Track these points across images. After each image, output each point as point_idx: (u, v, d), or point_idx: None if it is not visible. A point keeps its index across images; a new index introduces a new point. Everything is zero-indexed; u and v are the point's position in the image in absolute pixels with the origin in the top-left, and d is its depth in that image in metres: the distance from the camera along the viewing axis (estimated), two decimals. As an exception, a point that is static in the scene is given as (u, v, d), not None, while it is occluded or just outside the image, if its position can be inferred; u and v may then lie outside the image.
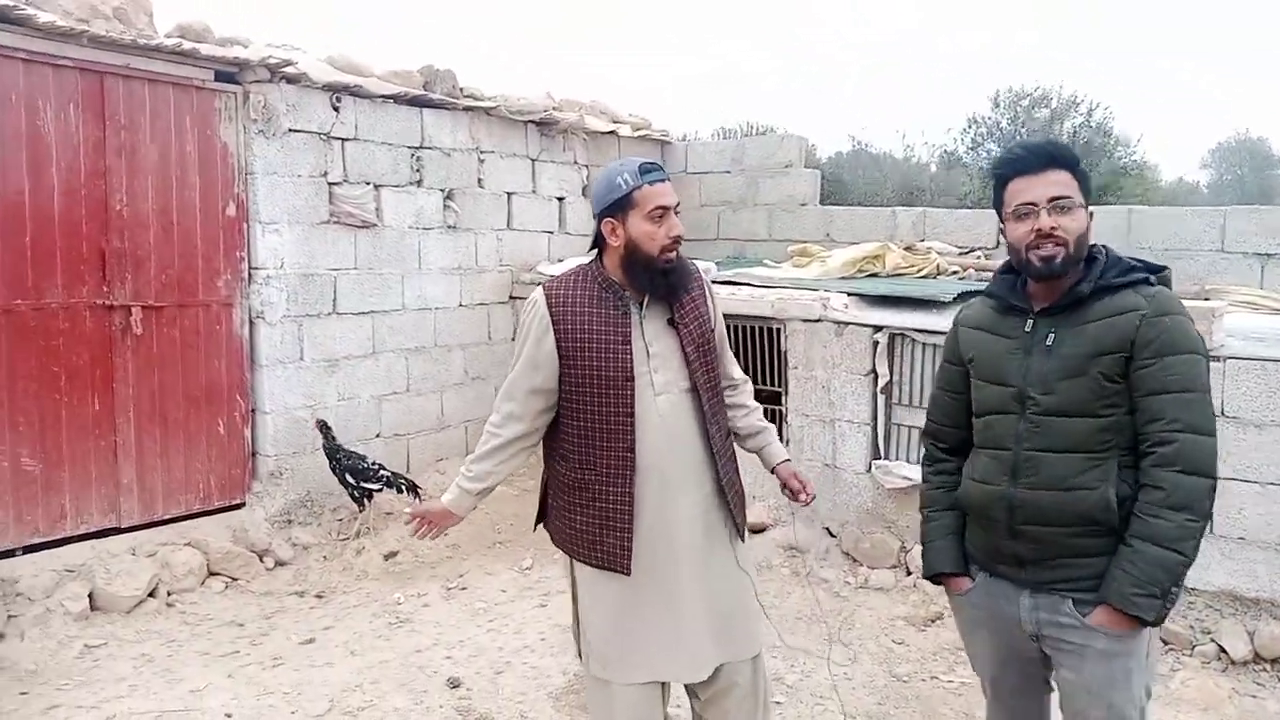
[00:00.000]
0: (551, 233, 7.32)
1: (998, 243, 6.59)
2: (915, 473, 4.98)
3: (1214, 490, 1.99)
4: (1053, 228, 2.06)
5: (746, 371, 5.67)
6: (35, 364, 4.50)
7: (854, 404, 5.23)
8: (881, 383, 5.15)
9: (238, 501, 5.35)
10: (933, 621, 4.50)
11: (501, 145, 6.82)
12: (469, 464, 2.63)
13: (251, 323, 5.37)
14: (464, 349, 6.67)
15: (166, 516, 5.04)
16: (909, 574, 4.95)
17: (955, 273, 6.24)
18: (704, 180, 8.08)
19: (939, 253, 6.38)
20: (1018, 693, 2.35)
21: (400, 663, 4.07)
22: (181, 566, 4.75)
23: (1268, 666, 3.92)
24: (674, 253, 2.45)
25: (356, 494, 5.45)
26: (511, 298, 6.99)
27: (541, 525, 2.77)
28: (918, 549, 4.93)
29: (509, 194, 6.92)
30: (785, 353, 5.56)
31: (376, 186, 5.96)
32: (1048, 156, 2.12)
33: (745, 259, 7.32)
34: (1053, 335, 2.11)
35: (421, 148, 6.24)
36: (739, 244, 7.73)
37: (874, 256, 6.31)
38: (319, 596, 4.85)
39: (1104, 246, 2.16)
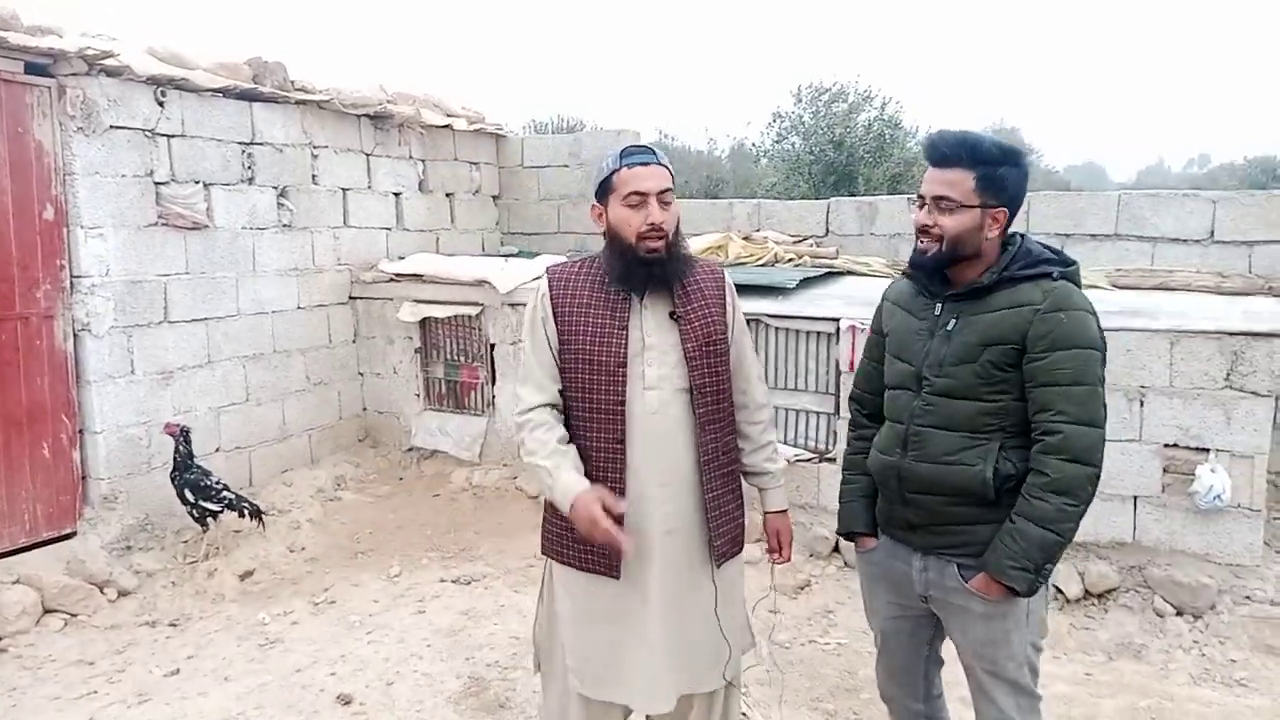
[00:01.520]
0: (390, 229, 7.13)
1: (827, 231, 7.02)
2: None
3: (1097, 478, 2.12)
4: (928, 225, 2.19)
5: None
6: None
7: (713, 391, 5.43)
8: (739, 369, 5.38)
9: (69, 531, 4.92)
10: (802, 589, 4.77)
11: (336, 140, 6.57)
12: (541, 456, 2.32)
13: (76, 335, 4.94)
14: (304, 353, 6.39)
15: (-12, 553, 4.57)
16: (773, 549, 5.20)
17: (791, 260, 6.59)
18: (542, 174, 8.10)
19: (775, 242, 6.70)
20: (904, 645, 2.54)
21: (280, 684, 3.90)
22: (13, 607, 4.32)
23: (1095, 600, 4.44)
24: (657, 242, 2.30)
25: (196, 513, 5.11)
26: (351, 298, 6.77)
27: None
28: (781, 525, 5.21)
29: (345, 190, 6.68)
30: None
31: (206, 185, 5.61)
32: (955, 151, 2.17)
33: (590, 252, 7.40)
34: (954, 321, 2.23)
35: (253, 144, 5.92)
36: (580, 237, 7.81)
37: (718, 246, 6.56)
38: (173, 625, 4.55)
39: (1020, 235, 2.24)
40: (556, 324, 2.39)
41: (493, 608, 4.66)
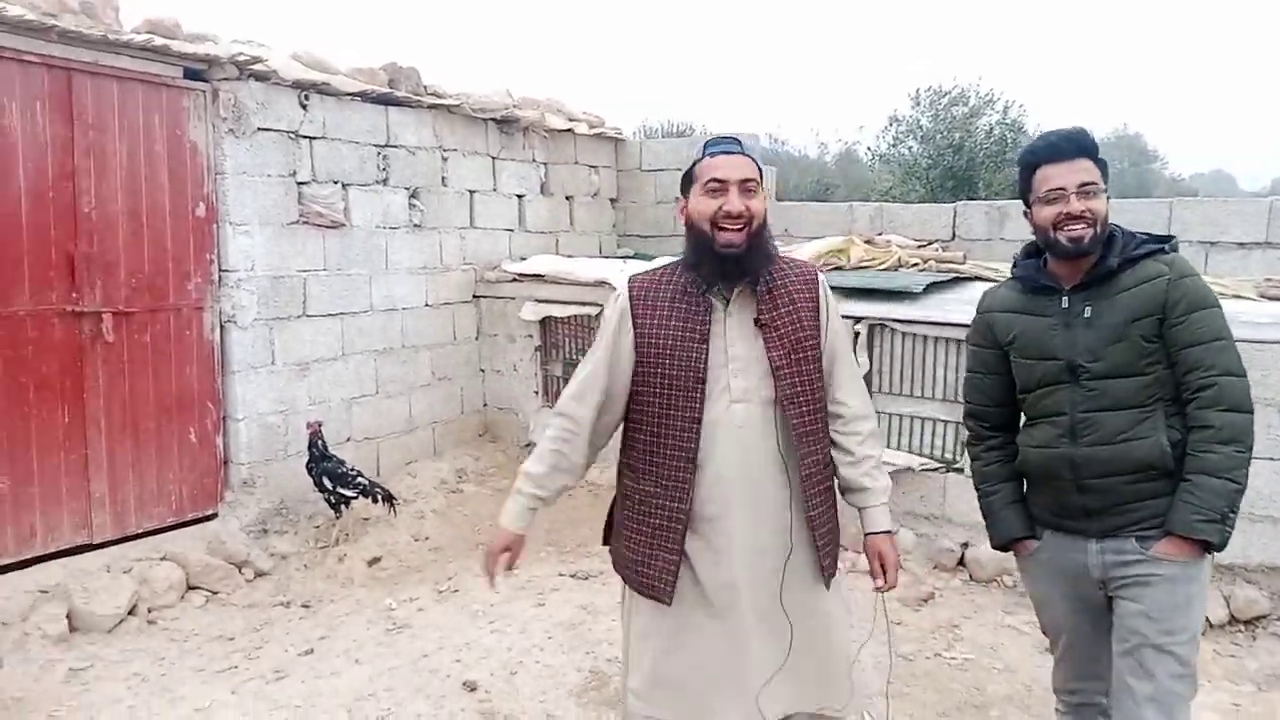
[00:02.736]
0: (512, 231, 7.26)
1: (953, 235, 6.83)
2: (898, 457, 5.13)
3: (1252, 423, 2.21)
4: (1083, 211, 2.25)
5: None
6: (2, 376, 4.27)
7: (835, 395, 5.34)
8: (862, 371, 5.28)
9: (210, 512, 5.17)
10: (925, 601, 4.64)
11: (464, 143, 6.75)
12: (529, 472, 2.40)
13: (222, 327, 5.20)
14: (430, 350, 6.57)
15: (140, 530, 4.84)
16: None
17: (916, 264, 6.43)
18: (659, 177, 8.14)
19: (899, 246, 6.56)
20: (1089, 639, 2.46)
21: (409, 668, 4.01)
22: (161, 582, 4.57)
23: (1243, 627, 4.18)
24: (736, 232, 2.21)
25: (333, 499, 5.32)
26: (475, 297, 6.93)
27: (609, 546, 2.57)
28: (903, 532, 5.09)
29: (471, 192, 6.85)
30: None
31: (344, 186, 5.83)
32: (1077, 145, 2.31)
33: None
34: (1089, 308, 2.30)
35: (387, 146, 6.13)
36: (697, 240, 7.80)
37: (839, 250, 6.45)
38: (306, 606, 4.73)
39: (1116, 225, 2.34)
40: (636, 338, 2.30)
41: (610, 604, 4.68)
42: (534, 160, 7.42)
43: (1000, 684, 3.87)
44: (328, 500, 5.31)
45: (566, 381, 6.51)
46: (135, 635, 4.31)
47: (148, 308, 4.82)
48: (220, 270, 5.17)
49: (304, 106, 5.54)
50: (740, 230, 2.22)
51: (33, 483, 4.40)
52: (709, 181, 2.26)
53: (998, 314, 2.48)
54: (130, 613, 4.40)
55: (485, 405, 7.05)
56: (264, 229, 5.34)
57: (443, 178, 6.58)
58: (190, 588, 4.71)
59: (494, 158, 7.05)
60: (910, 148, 14.94)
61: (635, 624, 2.39)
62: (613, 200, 8.36)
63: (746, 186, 2.25)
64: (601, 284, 6.27)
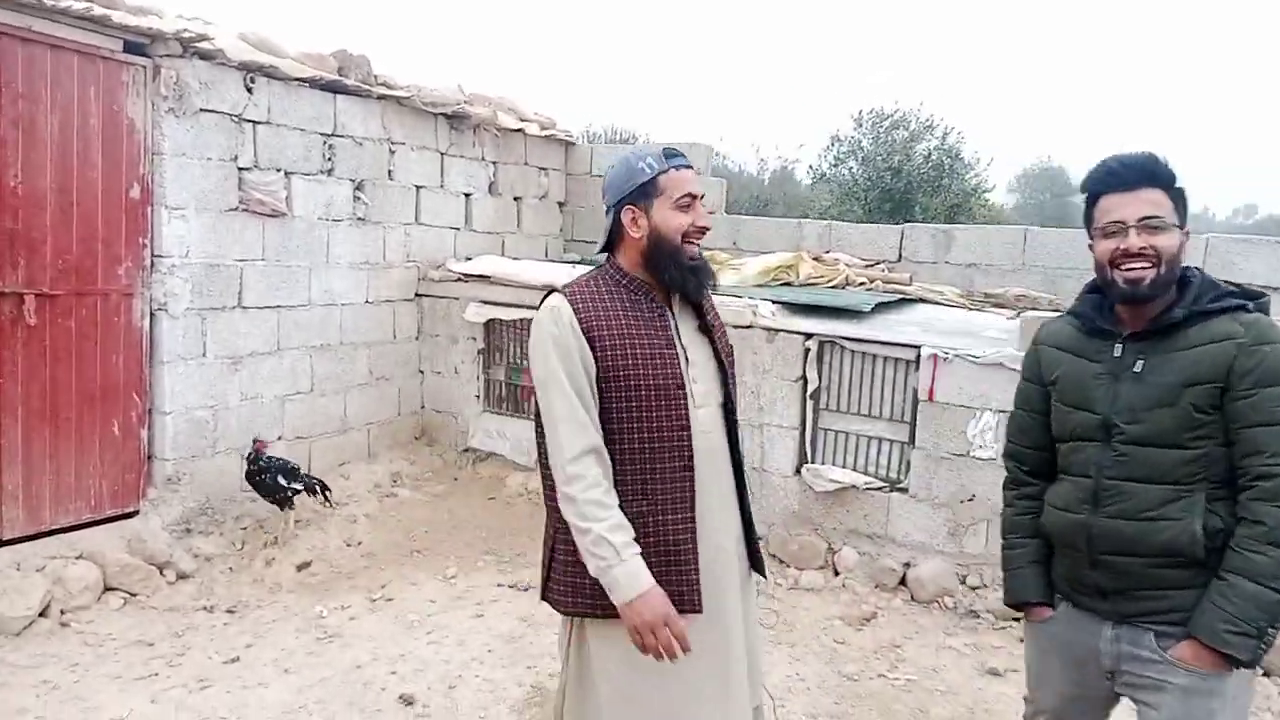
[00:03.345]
0: (458, 229, 7.11)
1: (899, 257, 6.90)
2: (843, 475, 5.14)
3: None
4: (1142, 248, 1.98)
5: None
6: (-90, 356, 3.99)
7: (783, 409, 5.33)
8: (811, 388, 5.28)
9: (132, 510, 4.91)
10: (867, 621, 4.64)
11: (412, 137, 6.57)
12: (614, 536, 2.07)
13: (153, 315, 4.95)
14: (369, 348, 6.38)
15: (54, 527, 4.57)
16: (836, 574, 5.09)
17: (862, 284, 6.47)
18: (609, 183, 8.05)
19: (846, 264, 6.60)
20: None
21: (341, 680, 3.85)
22: (76, 582, 4.32)
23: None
24: (697, 246, 2.26)
25: (288, 495, 5.15)
26: (417, 295, 6.75)
27: (546, 597, 2.32)
28: (846, 550, 5.10)
29: (418, 188, 6.68)
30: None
31: (287, 174, 5.62)
32: (1142, 172, 2.03)
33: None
34: (1142, 362, 2.03)
35: (334, 135, 5.93)
36: (644, 249, 7.73)
37: (787, 266, 6.46)
38: (231, 611, 4.51)
39: (1197, 269, 2.09)
40: (593, 349, 2.16)
41: (551, 616, 4.55)
42: (483, 159, 7.28)
43: (943, 707, 3.87)
44: (279, 499, 5.13)
45: (509, 386, 6.45)
46: (46, 639, 4.06)
47: (74, 291, 4.56)
48: (153, 255, 4.92)
49: (249, 89, 5.33)
50: (699, 244, 2.28)
51: (-62, 472, 4.11)
52: (683, 197, 2.22)
53: (1047, 348, 2.23)
54: (42, 614, 4.13)
55: (423, 407, 6.87)
56: (201, 214, 5.10)
57: (389, 171, 6.40)
58: (108, 588, 4.46)
59: (443, 154, 6.89)
60: (850, 168, 15.14)
61: (604, 659, 2.22)
62: (561, 204, 8.26)
63: (702, 201, 2.31)
64: (551, 288, 6.15)
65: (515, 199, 7.69)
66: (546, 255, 7.98)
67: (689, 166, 2.27)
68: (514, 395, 6.56)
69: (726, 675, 2.25)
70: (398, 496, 6.04)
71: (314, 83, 5.72)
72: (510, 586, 4.94)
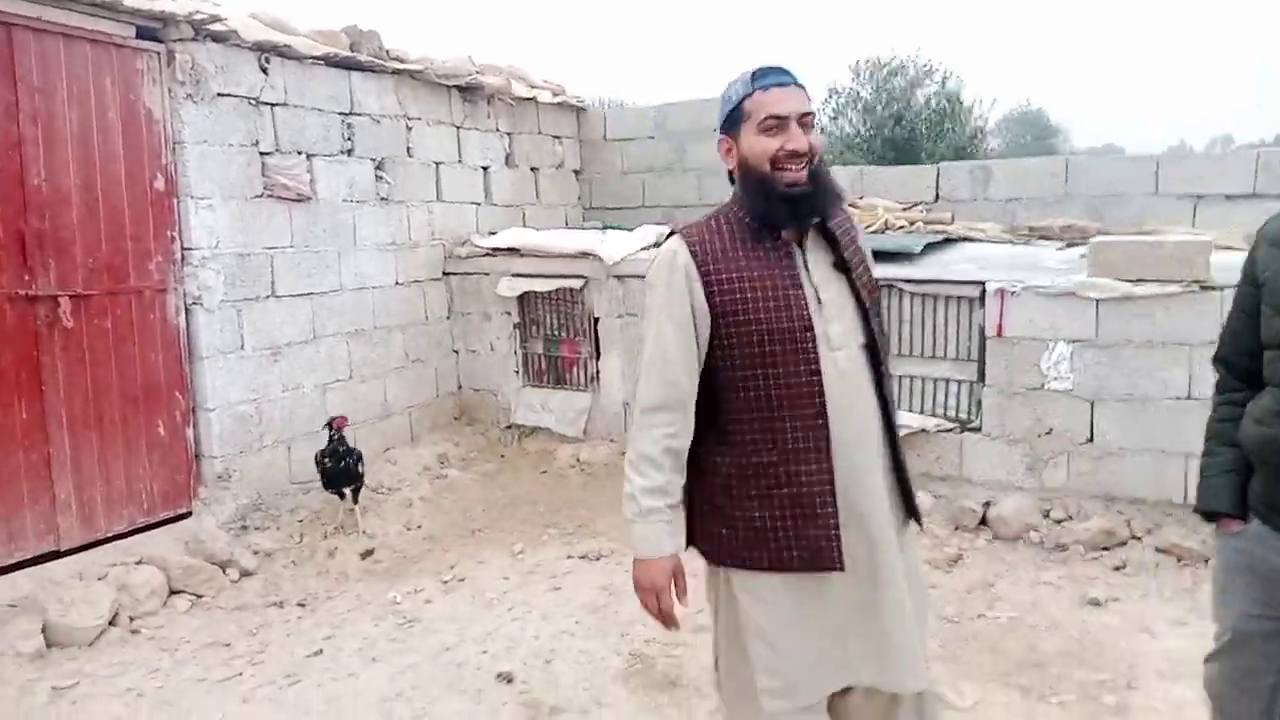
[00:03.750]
0: (479, 204, 6.93)
1: (936, 196, 6.74)
2: (913, 419, 5.00)
3: None
4: None
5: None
6: (-49, 367, 3.82)
7: (842, 358, 5.19)
8: (870, 334, 5.13)
9: (185, 511, 4.77)
10: (954, 563, 4.52)
11: (428, 112, 6.38)
12: (650, 486, 2.07)
13: (188, 309, 4.78)
14: (403, 330, 6.22)
15: (110, 534, 4.42)
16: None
17: (902, 227, 6.32)
18: (626, 147, 7.88)
19: (885, 209, 6.44)
20: (1256, 654, 2.11)
21: (433, 664, 3.72)
22: (142, 588, 4.17)
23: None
24: (799, 170, 2.01)
25: (362, 481, 5.10)
26: (445, 274, 6.58)
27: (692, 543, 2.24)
28: (921, 494, 4.97)
29: (437, 164, 6.49)
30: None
31: (309, 156, 5.43)
32: None
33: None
34: None
35: (351, 114, 5.74)
36: (667, 210, 7.57)
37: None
38: (302, 605, 4.38)
39: None
40: (709, 295, 2.04)
41: (629, 584, 4.45)
42: (498, 130, 7.09)
43: (1051, 641, 3.75)
44: (355, 486, 5.04)
45: (548, 359, 6.30)
46: (120, 647, 3.91)
47: (107, 290, 4.38)
48: (183, 248, 4.74)
49: (264, 70, 5.13)
50: (802, 167, 2.02)
51: (-10, 486, 3.95)
52: (766, 119, 2.02)
53: (1265, 247, 2.03)
54: (111, 622, 3.99)
55: (460, 387, 6.72)
56: (227, 203, 4.92)
57: (408, 148, 6.22)
58: (173, 592, 4.32)
59: (458, 127, 6.70)
60: (850, 120, 14.94)
61: (756, 620, 2.11)
62: (577, 172, 8.07)
63: (805, 121, 2.04)
64: (585, 255, 6.00)
65: (532, 170, 7.50)
66: (567, 225, 7.80)
67: (781, 84, 2.05)
68: (554, 368, 6.40)
69: (884, 636, 2.08)
70: (448, 478, 5.90)
71: (329, 60, 5.52)
72: (581, 558, 4.81)
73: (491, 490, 5.82)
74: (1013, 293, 4.73)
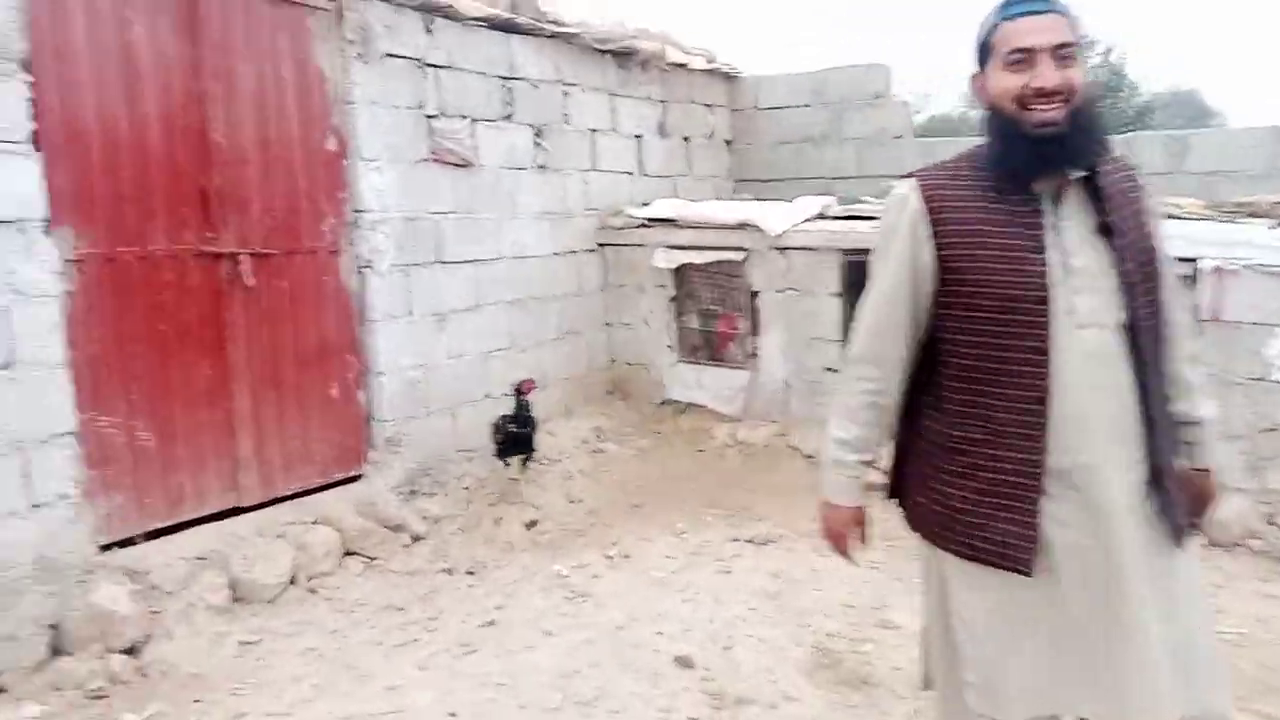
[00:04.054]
0: (631, 174, 6.77)
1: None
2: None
3: None
4: None
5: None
6: (142, 322, 3.86)
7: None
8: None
9: (355, 473, 4.77)
10: None
11: (583, 78, 6.24)
12: (844, 438, 2.02)
13: (359, 272, 4.76)
14: (558, 301, 6.11)
15: (287, 492, 4.44)
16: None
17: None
18: (779, 116, 7.59)
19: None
20: None
21: (608, 642, 3.57)
22: (319, 547, 4.17)
23: None
24: (1049, 110, 1.75)
25: (529, 456, 5.11)
26: (599, 245, 6.44)
27: (896, 501, 2.14)
28: None
29: (592, 131, 6.36)
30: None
31: (472, 121, 5.36)
32: None
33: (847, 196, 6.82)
34: None
35: (511, 79, 5.65)
36: (824, 182, 7.24)
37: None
38: (471, 573, 4.31)
39: None
40: (939, 248, 1.85)
41: (804, 572, 4.22)
42: (651, 98, 6.90)
43: (1291, 658, 3.34)
44: (522, 460, 5.06)
45: (704, 334, 6.10)
46: (299, 605, 3.92)
47: (285, 250, 4.39)
48: (354, 210, 4.72)
49: (429, 31, 5.06)
50: (1054, 107, 1.75)
51: (177, 442, 4.00)
52: (1011, 53, 1.78)
53: None
54: (291, 581, 4.00)
55: (613, 361, 6.59)
56: (395, 166, 4.88)
57: (565, 115, 6.09)
58: (347, 553, 4.31)
59: (612, 94, 6.54)
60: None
61: (962, 601, 1.93)
62: (728, 142, 7.83)
63: (1062, 53, 1.77)
64: (746, 226, 5.77)
65: (684, 140, 7.30)
66: (717, 197, 7.57)
67: (1031, 11, 1.78)
68: (710, 343, 6.19)
69: (1119, 665, 1.79)
70: (605, 452, 5.78)
71: (490, 22, 5.42)
72: (748, 541, 4.61)
73: (648, 466, 5.67)
74: (1231, 271, 4.27)
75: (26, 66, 3.40)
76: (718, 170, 7.72)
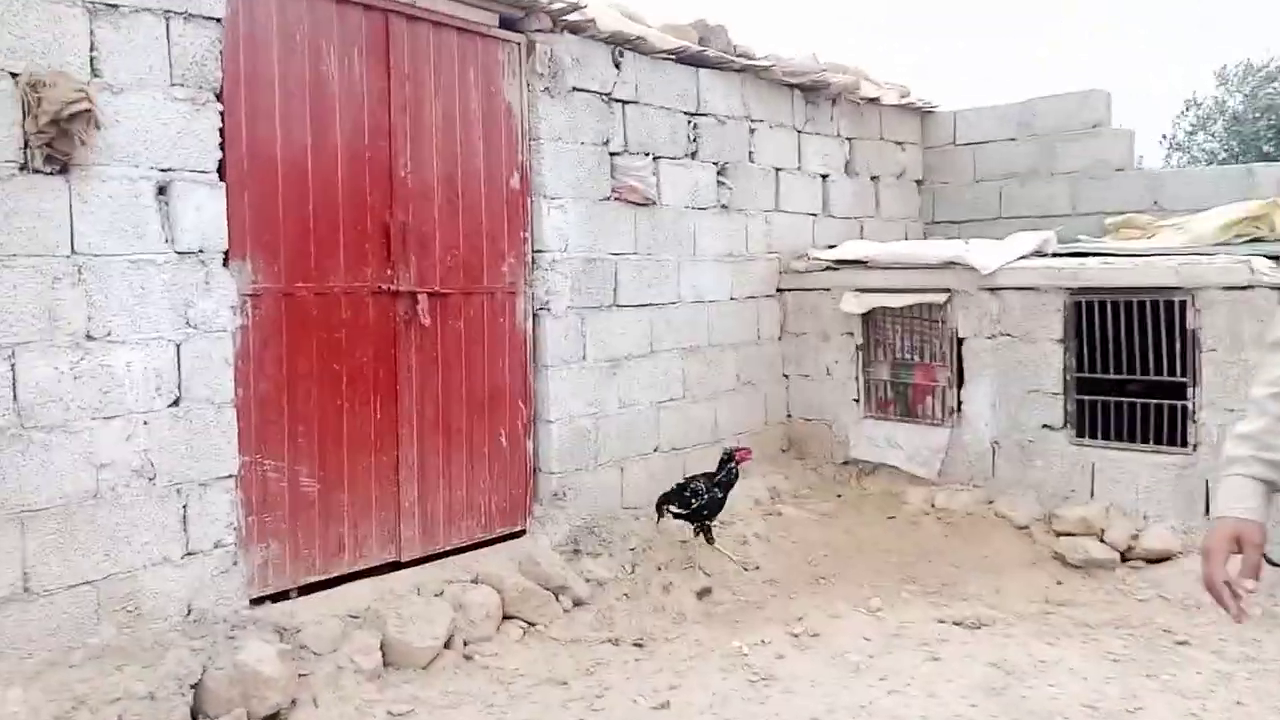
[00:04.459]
0: (815, 216, 6.34)
1: None
2: None
3: None
4: None
5: (1134, 357, 4.60)
6: (316, 360, 3.72)
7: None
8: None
9: (519, 529, 4.49)
10: None
11: (770, 114, 5.90)
12: (1242, 428, 1.70)
13: (535, 315, 4.53)
14: (735, 349, 5.72)
15: (449, 547, 4.20)
16: None
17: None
18: (980, 151, 7.00)
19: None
20: None
21: (802, 739, 3.08)
22: (478, 609, 3.88)
23: None
24: None
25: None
26: (779, 290, 6.02)
27: None
28: None
29: (776, 170, 5.98)
30: (1194, 332, 4.42)
31: (655, 158, 5.09)
32: None
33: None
34: None
35: (697, 114, 5.36)
36: (1031, 222, 6.56)
37: (1254, 218, 5.11)
38: (639, 645, 3.91)
39: None
40: None
41: (1028, 662, 3.61)
42: (839, 135, 6.48)
43: None
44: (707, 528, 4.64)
45: (896, 386, 5.54)
46: (453, 674, 3.61)
47: (462, 290, 4.20)
48: (533, 250, 4.51)
49: (617, 65, 4.85)
50: None
51: (342, 489, 3.82)
52: None
53: None
54: (446, 645, 3.71)
55: (789, 416, 6.11)
56: (577, 204, 4.65)
57: (750, 152, 5.75)
58: (506, 616, 4.00)
59: (799, 131, 6.16)
60: (1215, 134, 12.95)
61: None
62: (918, 182, 7.28)
63: None
64: (951, 266, 5.22)
65: (872, 179, 6.82)
66: (907, 239, 7.02)
67: None
68: (904, 397, 5.63)
69: None
70: (783, 515, 5.29)
71: (679, 55, 5.17)
72: (956, 624, 4.02)
73: (833, 533, 5.14)
74: None
75: (219, 95, 3.33)
76: (908, 212, 7.18)
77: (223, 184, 3.37)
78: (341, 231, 3.76)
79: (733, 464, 4.60)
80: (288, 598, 3.68)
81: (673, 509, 4.61)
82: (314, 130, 3.66)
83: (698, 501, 4.53)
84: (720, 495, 4.57)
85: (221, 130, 3.37)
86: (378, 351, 3.90)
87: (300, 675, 3.35)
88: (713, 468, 5.03)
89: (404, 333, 3.98)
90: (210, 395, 3.35)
